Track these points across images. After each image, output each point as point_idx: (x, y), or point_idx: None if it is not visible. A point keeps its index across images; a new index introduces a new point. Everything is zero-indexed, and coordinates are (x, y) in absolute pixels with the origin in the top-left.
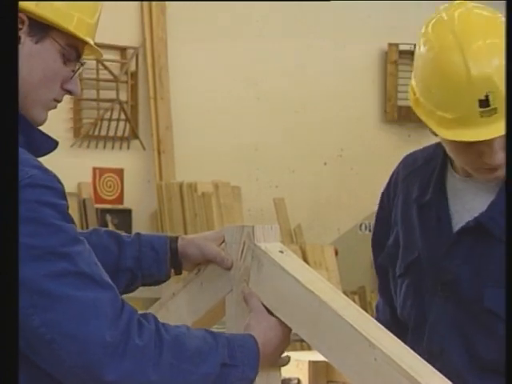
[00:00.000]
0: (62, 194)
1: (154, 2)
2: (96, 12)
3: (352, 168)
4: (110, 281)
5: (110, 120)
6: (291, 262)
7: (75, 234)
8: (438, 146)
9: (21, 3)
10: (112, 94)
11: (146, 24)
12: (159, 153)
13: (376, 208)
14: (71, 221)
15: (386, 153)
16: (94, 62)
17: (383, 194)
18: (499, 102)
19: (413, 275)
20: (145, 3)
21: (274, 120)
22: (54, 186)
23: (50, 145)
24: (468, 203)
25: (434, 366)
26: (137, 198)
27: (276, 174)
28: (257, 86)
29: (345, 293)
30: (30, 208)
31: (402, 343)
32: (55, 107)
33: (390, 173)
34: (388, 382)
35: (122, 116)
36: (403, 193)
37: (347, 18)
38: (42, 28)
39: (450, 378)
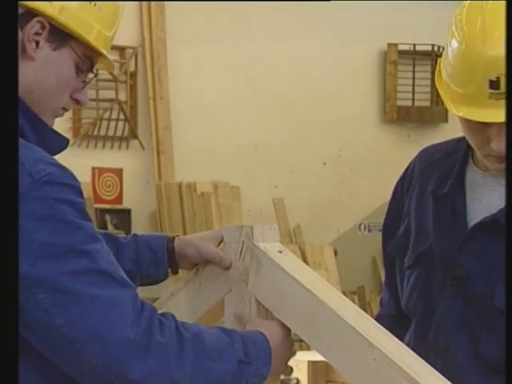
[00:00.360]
0: (80, 192)
1: (152, 2)
2: (114, 26)
3: (351, 168)
4: (128, 279)
5: (109, 120)
6: (290, 262)
7: (93, 232)
8: (461, 140)
9: (43, 8)
10: (111, 94)
11: (145, 24)
12: (158, 153)
13: (374, 208)
14: (89, 219)
15: (386, 153)
16: None
17: (397, 184)
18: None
19: (422, 267)
20: (144, 3)
21: (273, 120)
22: (71, 183)
23: (62, 143)
24: (485, 199)
25: (437, 361)
26: (136, 198)
27: (275, 173)
28: (256, 85)
29: (344, 293)
30: (47, 205)
31: (402, 343)
32: (62, 115)
33: (389, 172)
34: (387, 383)
35: (121, 116)
36: (419, 184)
37: (346, 18)
38: (62, 36)
39: (452, 375)
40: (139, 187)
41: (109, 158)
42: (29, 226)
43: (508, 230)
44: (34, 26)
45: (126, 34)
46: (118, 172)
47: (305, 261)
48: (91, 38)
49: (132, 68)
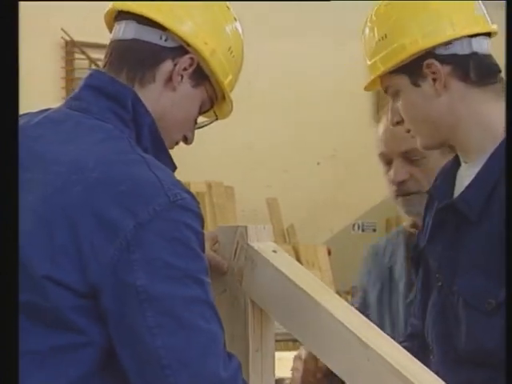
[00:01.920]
0: (203, 223)
1: None
2: (239, 73)
3: (346, 168)
4: None
5: None
6: (284, 261)
7: (207, 266)
8: None
9: (200, 49)
10: None
11: None
12: None
13: (368, 208)
14: (204, 251)
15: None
16: (87, 61)
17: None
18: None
19: (421, 274)
20: None
21: (268, 120)
22: (199, 213)
23: (171, 169)
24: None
25: (431, 360)
26: None
27: (269, 173)
28: (250, 85)
29: (338, 293)
30: (177, 228)
31: (396, 343)
32: (172, 149)
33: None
34: (381, 382)
35: None
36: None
37: (344, 17)
38: (202, 75)
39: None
40: None
41: None
42: (156, 243)
43: (508, 230)
44: (185, 61)
45: (106, 32)
46: None
47: (299, 260)
48: (225, 84)
49: None
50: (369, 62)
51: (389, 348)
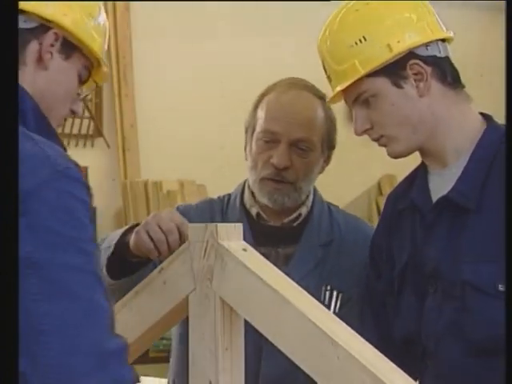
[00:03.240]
0: (90, 193)
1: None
2: (106, 37)
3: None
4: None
5: (73, 118)
6: (255, 260)
7: (93, 236)
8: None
9: (59, 20)
10: None
11: (109, 21)
12: (124, 151)
13: (342, 207)
14: (92, 222)
15: (354, 150)
16: None
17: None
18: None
19: (407, 284)
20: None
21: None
22: (86, 183)
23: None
24: (441, 191)
25: (428, 361)
26: (101, 197)
27: (241, 172)
28: (222, 84)
29: None
30: (62, 197)
31: (365, 341)
32: (62, 124)
33: (356, 170)
34: (351, 381)
35: (86, 114)
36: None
37: (320, 16)
38: (71, 46)
39: (444, 372)
40: (104, 186)
41: (74, 156)
42: (41, 211)
43: (508, 230)
44: (50, 37)
45: None
46: (83, 170)
47: None
48: (96, 48)
49: None
50: (338, 68)
51: (358, 346)
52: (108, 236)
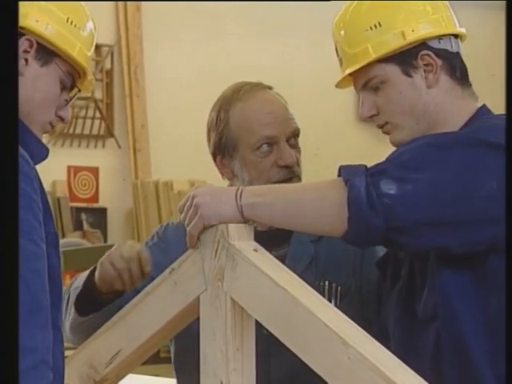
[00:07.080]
0: (37, 186)
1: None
2: (92, 45)
3: (328, 167)
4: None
5: (85, 118)
6: (265, 260)
7: (31, 230)
8: None
9: (31, 26)
10: None
11: (121, 22)
12: (135, 151)
13: None
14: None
15: (361, 151)
16: None
17: None
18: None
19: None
20: (120, 1)
21: None
22: (31, 176)
23: (43, 152)
24: None
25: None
26: (112, 197)
27: None
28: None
29: None
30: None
31: (376, 341)
32: (49, 131)
33: None
34: (362, 381)
35: (97, 114)
36: None
37: (325, 17)
38: (48, 52)
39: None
40: (115, 186)
41: (85, 156)
42: None
43: (508, 230)
44: (23, 43)
45: (102, 31)
46: (94, 170)
47: None
48: (75, 54)
49: (108, 66)
50: (350, 51)
51: (369, 346)
52: (77, 278)
